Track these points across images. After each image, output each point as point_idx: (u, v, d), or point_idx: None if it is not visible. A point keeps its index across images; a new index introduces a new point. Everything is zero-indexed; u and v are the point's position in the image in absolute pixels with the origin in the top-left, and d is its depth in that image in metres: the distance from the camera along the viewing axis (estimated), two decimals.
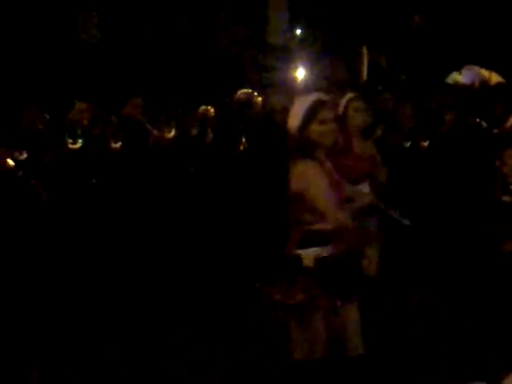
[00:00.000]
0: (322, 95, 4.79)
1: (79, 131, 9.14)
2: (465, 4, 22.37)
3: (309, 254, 4.46)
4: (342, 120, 6.59)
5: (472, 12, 22.34)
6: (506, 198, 7.22)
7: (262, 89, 15.50)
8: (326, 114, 4.59)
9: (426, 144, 9.67)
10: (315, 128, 4.50)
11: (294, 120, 4.59)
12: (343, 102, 6.92)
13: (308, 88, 18.93)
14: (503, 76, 24.04)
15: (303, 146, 4.51)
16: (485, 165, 7.93)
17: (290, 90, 16.13)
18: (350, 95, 7.09)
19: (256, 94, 11.60)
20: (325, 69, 22.38)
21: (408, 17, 22.47)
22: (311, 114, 4.50)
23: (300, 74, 22.82)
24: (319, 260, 4.38)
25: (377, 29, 21.81)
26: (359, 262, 4.71)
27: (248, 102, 10.74)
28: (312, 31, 24.07)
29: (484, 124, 9.75)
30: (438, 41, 22.64)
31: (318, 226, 4.48)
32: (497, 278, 7.10)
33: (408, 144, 9.65)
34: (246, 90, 11.23)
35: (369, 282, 5.86)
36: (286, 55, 22.81)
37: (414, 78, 21.87)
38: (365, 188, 6.53)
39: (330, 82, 20.21)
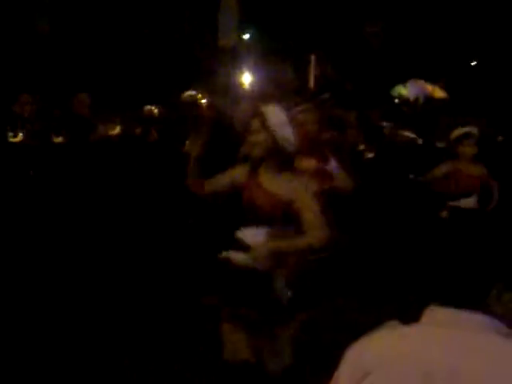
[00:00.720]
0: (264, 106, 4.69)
1: (21, 124, 9.02)
2: (414, 17, 22.72)
3: (237, 257, 4.37)
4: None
5: (420, 25, 22.73)
6: (443, 214, 7.33)
7: (210, 91, 15.52)
8: (255, 124, 4.47)
9: (370, 155, 9.76)
10: (248, 139, 4.49)
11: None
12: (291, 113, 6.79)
13: (254, 92, 19.02)
14: (448, 90, 24.54)
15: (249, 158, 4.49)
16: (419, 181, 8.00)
17: (236, 94, 16.21)
18: (298, 108, 6.94)
19: (201, 95, 11.61)
20: (272, 74, 22.48)
21: (358, 27, 22.72)
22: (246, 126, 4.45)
23: (247, 78, 22.92)
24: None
25: (326, 37, 21.98)
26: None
27: (193, 103, 10.73)
28: (261, 36, 24.18)
29: (419, 139, 9.87)
30: (387, 52, 22.99)
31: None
32: None
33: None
34: (191, 92, 11.21)
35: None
36: (235, 58, 22.88)
37: (360, 88, 22.14)
38: None
39: (277, 88, 20.31)
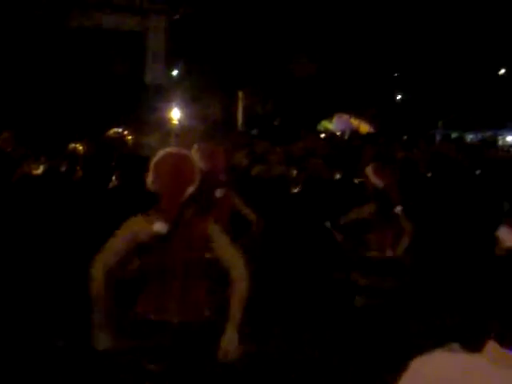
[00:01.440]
0: (171, 149, 4.61)
1: None
2: (340, 54, 23.23)
3: None
4: None
5: (347, 62, 23.24)
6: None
7: (139, 127, 15.51)
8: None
9: (295, 190, 9.87)
10: (162, 183, 4.28)
11: (148, 175, 4.36)
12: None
13: (184, 128, 19.09)
14: (373, 125, 25.09)
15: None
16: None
17: (165, 130, 16.24)
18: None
19: (127, 132, 11.60)
20: (201, 110, 22.63)
21: (286, 64, 23.09)
22: (160, 169, 4.29)
23: (176, 114, 22.99)
24: None
25: (253, 74, 22.26)
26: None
27: (119, 140, 10.71)
28: (189, 73, 24.33)
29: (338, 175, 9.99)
30: (312, 88, 23.39)
31: None
32: None
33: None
34: (116, 129, 11.20)
35: None
36: (162, 95, 22.94)
37: (287, 123, 22.47)
38: None
39: (206, 124, 20.45)
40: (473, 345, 2.11)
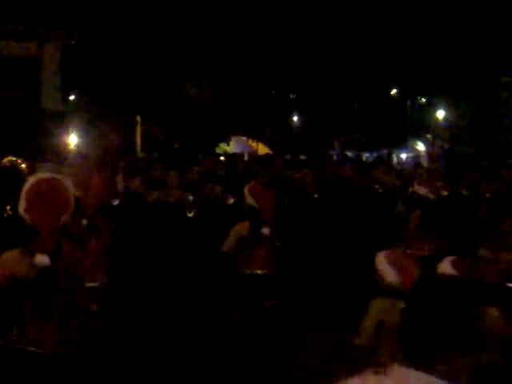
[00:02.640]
0: (42, 175, 4.37)
1: None
2: (235, 79, 23.49)
3: None
4: None
5: (241, 86, 23.52)
6: None
7: (34, 154, 15.24)
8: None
9: (191, 214, 9.90)
10: (35, 211, 4.06)
11: (20, 202, 4.11)
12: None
13: (81, 154, 18.85)
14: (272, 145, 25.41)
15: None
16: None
17: (61, 156, 16.00)
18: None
19: (21, 160, 11.40)
20: (98, 136, 22.43)
21: (179, 88, 23.17)
22: (32, 197, 4.07)
23: (73, 140, 22.68)
24: None
25: (150, 99, 22.24)
26: None
27: (13, 169, 10.53)
28: (85, 98, 24.11)
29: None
30: (209, 111, 23.55)
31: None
32: None
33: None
34: (10, 158, 11.00)
35: None
36: (60, 121, 22.62)
37: (186, 147, 22.50)
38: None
39: (103, 149, 20.26)
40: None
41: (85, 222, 6.15)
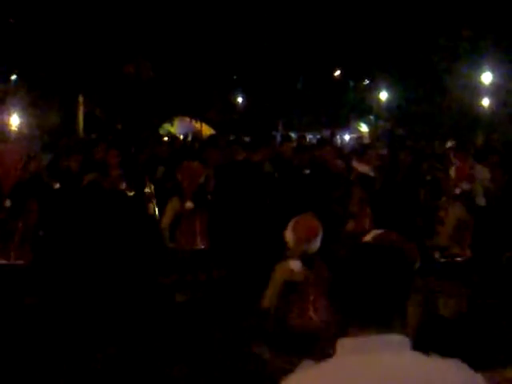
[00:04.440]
0: None
1: None
2: (177, 57, 23.35)
3: None
4: None
5: (184, 65, 23.38)
6: None
7: None
8: None
9: (131, 194, 9.92)
10: None
11: None
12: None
13: (22, 135, 18.63)
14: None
15: None
16: None
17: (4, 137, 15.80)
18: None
19: None
20: (39, 116, 22.17)
21: (123, 67, 22.95)
22: None
23: (14, 120, 22.39)
24: None
25: (91, 78, 21.99)
26: None
27: None
28: (27, 78, 23.74)
29: None
30: (152, 91, 23.39)
31: None
32: None
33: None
34: None
35: None
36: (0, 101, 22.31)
37: (129, 127, 22.36)
38: None
39: (44, 130, 20.07)
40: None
41: (8, 203, 6.20)
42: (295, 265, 4.66)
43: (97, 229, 8.23)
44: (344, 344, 2.06)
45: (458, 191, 6.64)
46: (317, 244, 4.74)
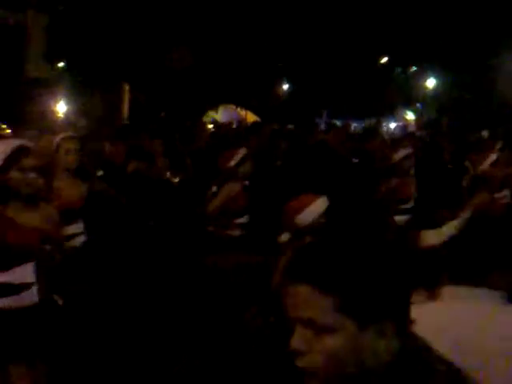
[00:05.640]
0: (25, 142, 4.58)
1: None
2: (221, 43, 23.31)
3: None
4: (51, 160, 6.45)
5: (229, 52, 23.32)
6: None
7: (18, 120, 15.19)
8: (26, 161, 4.37)
9: (176, 180, 9.90)
10: (14, 175, 4.34)
11: None
12: (55, 142, 6.68)
13: (68, 122, 18.77)
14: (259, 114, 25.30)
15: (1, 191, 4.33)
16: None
17: (49, 125, 15.93)
18: (61, 135, 6.84)
19: (5, 126, 11.37)
20: (85, 103, 22.34)
21: (167, 56, 22.97)
22: (11, 161, 4.34)
23: (61, 107, 22.58)
24: None
25: (137, 67, 22.08)
26: None
27: None
28: (73, 66, 23.94)
29: None
30: (196, 79, 23.37)
31: None
32: None
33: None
34: None
35: None
36: (46, 89, 22.51)
37: (173, 116, 22.39)
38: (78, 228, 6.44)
39: (90, 117, 20.20)
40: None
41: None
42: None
43: (141, 216, 8.19)
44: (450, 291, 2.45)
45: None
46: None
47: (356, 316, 1.66)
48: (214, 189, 7.61)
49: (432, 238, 4.45)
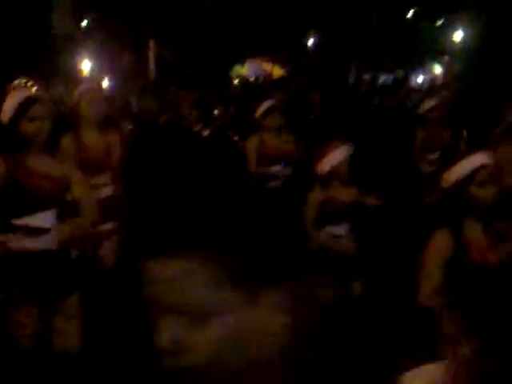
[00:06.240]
0: (34, 93, 4.66)
1: None
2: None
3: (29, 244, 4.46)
4: (74, 112, 6.42)
5: (254, 5, 23.11)
6: None
7: (45, 77, 15.23)
8: (36, 111, 4.44)
9: (206, 133, 9.88)
10: (25, 125, 4.43)
11: (4, 115, 4.44)
12: (76, 93, 6.64)
13: (94, 77, 18.77)
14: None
15: (16, 141, 4.38)
16: None
17: (74, 79, 15.95)
18: (84, 86, 6.80)
19: (31, 83, 11.35)
20: (111, 59, 22.31)
21: (194, 10, 22.87)
22: (21, 111, 4.41)
23: (86, 63, 22.58)
24: None
25: (162, 22, 21.98)
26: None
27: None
28: (98, 22, 23.89)
29: None
30: (222, 33, 23.24)
31: None
32: None
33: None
34: (21, 79, 10.95)
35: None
36: (71, 44, 22.52)
37: (200, 71, 22.32)
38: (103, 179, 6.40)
39: (117, 72, 20.20)
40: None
41: None
42: None
43: (174, 168, 8.15)
44: None
45: None
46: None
47: None
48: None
49: None
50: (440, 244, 4.06)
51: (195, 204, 7.82)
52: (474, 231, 4.15)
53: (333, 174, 5.66)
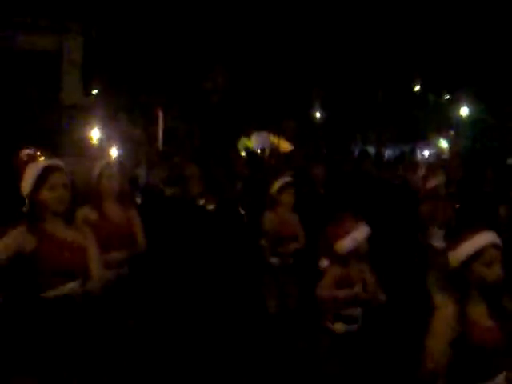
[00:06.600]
0: (52, 161, 4.71)
1: None
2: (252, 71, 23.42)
3: None
4: (94, 186, 6.47)
5: (262, 78, 23.43)
6: None
7: (56, 148, 15.31)
8: (56, 179, 4.53)
9: (211, 207, 9.88)
10: (46, 194, 4.49)
11: (25, 186, 4.53)
12: (96, 169, 6.69)
13: (104, 148, 18.88)
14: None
15: (34, 211, 4.45)
16: None
17: (83, 150, 16.06)
18: (104, 161, 6.85)
19: (39, 153, 11.38)
20: (120, 129, 22.49)
21: (201, 82, 23.16)
22: (41, 180, 4.51)
23: (95, 133, 22.74)
24: None
25: (172, 93, 22.24)
26: None
27: (31, 161, 10.47)
28: (108, 92, 24.17)
29: None
30: (228, 106, 23.50)
31: None
32: None
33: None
34: (28, 151, 10.97)
35: None
36: (81, 115, 22.71)
37: (208, 142, 22.52)
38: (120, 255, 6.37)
39: (126, 141, 20.34)
40: None
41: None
42: None
43: (180, 241, 8.17)
44: None
45: None
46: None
47: None
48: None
49: None
50: (445, 323, 4.01)
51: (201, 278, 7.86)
52: (478, 310, 4.11)
53: (354, 252, 5.57)
